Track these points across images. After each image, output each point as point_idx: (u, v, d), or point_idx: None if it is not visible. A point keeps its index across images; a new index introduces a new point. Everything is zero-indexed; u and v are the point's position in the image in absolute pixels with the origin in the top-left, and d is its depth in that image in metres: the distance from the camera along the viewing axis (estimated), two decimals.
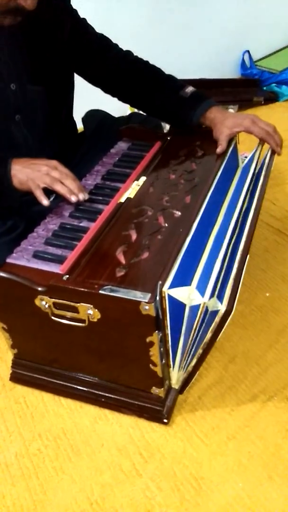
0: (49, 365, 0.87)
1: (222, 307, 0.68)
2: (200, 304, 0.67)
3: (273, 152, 1.00)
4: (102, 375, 0.84)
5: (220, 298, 0.69)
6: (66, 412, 0.85)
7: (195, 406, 0.84)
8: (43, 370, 0.88)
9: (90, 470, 0.76)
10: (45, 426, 0.83)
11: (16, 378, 0.91)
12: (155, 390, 0.79)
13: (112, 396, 0.84)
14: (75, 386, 0.86)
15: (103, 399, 0.85)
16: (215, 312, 0.69)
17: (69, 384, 0.87)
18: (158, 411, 0.81)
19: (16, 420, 0.84)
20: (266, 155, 1.00)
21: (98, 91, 1.13)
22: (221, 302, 0.68)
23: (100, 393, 0.85)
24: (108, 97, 1.14)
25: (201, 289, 0.69)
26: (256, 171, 0.98)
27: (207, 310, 0.69)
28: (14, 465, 0.78)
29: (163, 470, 0.75)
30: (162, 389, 0.78)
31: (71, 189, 0.85)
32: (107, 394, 0.84)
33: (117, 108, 1.35)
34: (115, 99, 1.14)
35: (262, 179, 0.93)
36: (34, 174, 0.85)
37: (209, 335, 0.71)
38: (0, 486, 0.75)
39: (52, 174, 0.85)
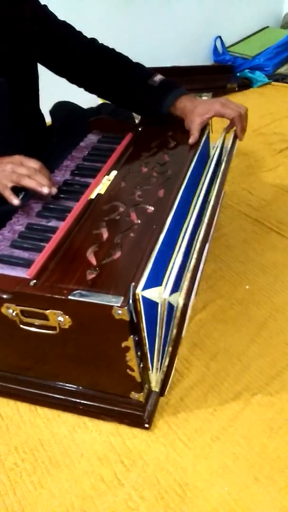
0: (23, 374, 0.83)
1: (180, 300, 0.64)
2: (160, 302, 0.64)
3: (236, 137, 0.97)
4: (79, 382, 0.80)
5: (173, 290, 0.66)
6: (43, 422, 0.81)
7: (177, 408, 0.81)
8: (17, 380, 0.84)
9: (70, 482, 0.73)
10: (21, 438, 0.79)
11: None
12: (134, 395, 0.76)
13: (91, 403, 0.80)
14: (52, 395, 0.82)
15: (81, 407, 0.81)
16: (171, 307, 0.66)
17: (45, 393, 0.83)
18: (138, 416, 0.78)
19: None
20: (229, 141, 0.96)
21: (65, 81, 1.07)
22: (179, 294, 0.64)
23: (78, 400, 0.81)
24: (76, 88, 1.09)
25: (166, 285, 0.66)
26: (221, 159, 0.95)
27: (171, 306, 0.66)
28: None
29: (146, 478, 0.72)
30: (142, 393, 0.75)
31: (40, 181, 0.79)
32: (85, 402, 0.81)
33: (88, 100, 1.30)
34: (83, 90, 1.09)
35: (223, 166, 0.89)
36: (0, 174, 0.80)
37: (174, 330, 0.68)
38: None
39: (18, 171, 0.80)
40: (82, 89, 1.09)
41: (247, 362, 0.87)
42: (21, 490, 0.72)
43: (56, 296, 0.64)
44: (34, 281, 0.67)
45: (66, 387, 0.81)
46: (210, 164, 0.92)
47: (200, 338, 0.92)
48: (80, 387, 0.80)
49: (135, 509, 0.68)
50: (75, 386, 0.81)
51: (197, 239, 0.72)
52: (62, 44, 1.02)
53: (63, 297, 0.63)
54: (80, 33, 1.04)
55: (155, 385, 0.79)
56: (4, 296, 0.66)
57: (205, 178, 0.88)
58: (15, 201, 0.79)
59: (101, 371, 0.75)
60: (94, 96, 1.14)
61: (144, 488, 0.71)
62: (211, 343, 0.91)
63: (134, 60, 1.05)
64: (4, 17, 0.89)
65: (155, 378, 0.77)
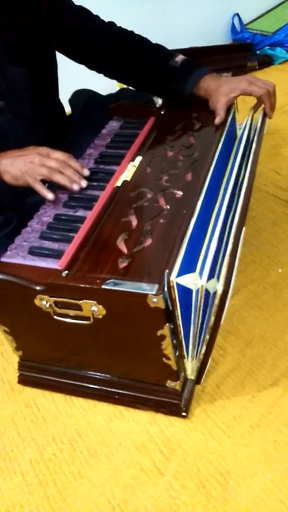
0: (57, 365, 0.83)
1: (219, 287, 0.62)
2: (198, 288, 0.62)
3: (265, 115, 0.93)
4: (114, 372, 0.79)
5: (215, 277, 0.64)
6: (79, 412, 0.81)
7: (213, 396, 0.79)
8: (52, 371, 0.84)
9: (109, 472, 0.72)
10: (58, 429, 0.79)
11: (24, 380, 0.87)
12: (170, 384, 0.75)
13: (126, 392, 0.80)
14: (87, 385, 0.82)
15: (116, 396, 0.80)
16: (208, 294, 0.64)
17: (80, 383, 0.83)
18: (175, 405, 0.77)
19: (28, 425, 0.80)
20: (258, 119, 0.93)
21: (83, 69, 1.05)
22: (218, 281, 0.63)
23: (113, 390, 0.81)
24: (94, 75, 1.07)
25: (201, 271, 0.64)
26: (250, 138, 0.92)
27: (208, 293, 0.64)
28: (30, 472, 0.74)
29: (186, 467, 0.71)
30: (178, 382, 0.74)
31: (71, 177, 0.79)
32: (120, 391, 0.80)
33: (106, 87, 1.28)
34: (102, 77, 1.07)
35: (255, 145, 0.86)
36: (27, 167, 0.79)
37: (212, 318, 0.66)
38: (17, 496, 0.72)
39: (48, 164, 0.79)
40: (99, 77, 1.07)
41: (284, 348, 0.85)
42: (61, 481, 0.73)
43: (89, 286, 0.63)
44: (66, 271, 0.67)
45: (101, 377, 0.81)
46: (239, 145, 0.89)
47: (234, 324, 0.90)
48: (115, 377, 0.80)
49: (177, 498, 0.68)
50: (110, 376, 0.80)
51: (232, 223, 0.70)
52: (80, 30, 0.99)
53: (96, 287, 0.62)
54: (97, 17, 1.02)
55: (190, 373, 0.77)
56: (38, 288, 0.66)
57: (234, 159, 0.85)
58: (49, 195, 0.78)
59: (136, 360, 0.74)
60: (112, 83, 1.12)
61: (185, 477, 0.70)
62: (245, 330, 0.89)
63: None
64: (20, 8, 0.87)
65: (190, 366, 0.76)
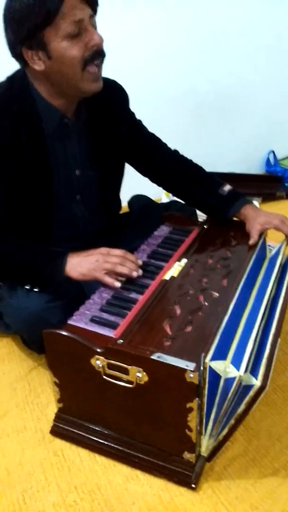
0: (87, 422, 0.95)
1: (257, 382, 0.77)
2: (235, 377, 0.77)
3: None
4: (138, 436, 0.91)
5: (254, 374, 0.79)
6: (100, 468, 0.91)
7: (220, 475, 0.90)
8: (82, 426, 0.96)
9: None
10: (81, 480, 0.89)
11: (55, 431, 0.98)
12: (186, 455, 0.86)
13: (145, 457, 0.90)
14: (110, 444, 0.93)
15: (136, 460, 0.91)
16: (249, 387, 0.79)
17: (104, 442, 0.94)
18: (187, 476, 0.87)
19: (54, 472, 0.91)
20: None
21: (136, 176, 1.29)
22: (256, 378, 0.78)
23: (133, 453, 0.92)
24: (145, 182, 1.30)
25: (236, 363, 0.80)
26: (282, 263, 1.12)
27: (240, 383, 0.79)
28: None
29: None
30: (194, 454, 0.86)
31: (130, 267, 0.99)
32: (140, 455, 0.91)
33: (155, 192, 1.54)
34: (150, 183, 1.30)
35: None
36: (93, 265, 0.99)
37: (242, 406, 0.80)
38: None
39: (110, 260, 0.99)
40: (150, 184, 1.30)
41: (286, 444, 0.96)
42: None
43: (140, 355, 0.79)
44: (121, 340, 0.83)
45: (125, 439, 0.92)
46: (272, 265, 1.09)
47: None
48: (138, 441, 0.91)
49: None
50: (133, 439, 0.92)
51: (265, 328, 0.87)
52: (151, 153, 1.26)
53: (146, 356, 0.78)
54: (165, 144, 1.29)
55: (204, 450, 0.89)
56: (98, 350, 0.82)
57: (268, 277, 1.04)
58: (117, 283, 0.98)
59: (162, 428, 0.86)
60: (159, 190, 1.37)
61: None
62: (254, 422, 1.01)
63: (202, 164, 1.27)
64: (104, 126, 1.12)
65: (205, 444, 0.88)
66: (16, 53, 0.95)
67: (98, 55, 0.95)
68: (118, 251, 1.02)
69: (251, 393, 0.78)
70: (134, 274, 1.00)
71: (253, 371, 0.80)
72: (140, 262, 1.05)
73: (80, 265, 0.99)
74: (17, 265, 1.05)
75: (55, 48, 0.91)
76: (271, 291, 1.00)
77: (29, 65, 0.95)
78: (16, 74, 1.02)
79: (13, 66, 1.00)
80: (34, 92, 0.99)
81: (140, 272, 1.01)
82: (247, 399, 0.79)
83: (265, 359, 0.80)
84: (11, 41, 0.94)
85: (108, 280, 0.98)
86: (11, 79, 1.02)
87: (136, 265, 1.02)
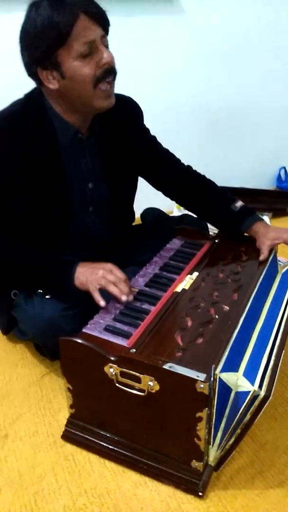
0: (98, 428, 0.98)
1: (261, 393, 0.80)
2: (249, 391, 0.80)
3: None
4: (147, 443, 0.93)
5: (260, 385, 0.82)
6: (110, 474, 0.94)
7: (227, 484, 0.92)
8: (92, 432, 0.99)
9: None
10: (91, 484, 0.92)
11: (67, 436, 1.01)
12: (195, 463, 0.89)
13: (154, 464, 0.93)
14: (120, 451, 0.96)
15: (145, 467, 0.93)
16: (253, 397, 0.81)
17: (114, 448, 0.96)
18: (195, 484, 0.89)
19: (65, 475, 0.93)
20: None
21: (148, 188, 1.33)
22: (260, 388, 0.81)
23: (142, 460, 0.94)
24: (158, 194, 1.35)
25: (250, 377, 0.83)
26: None
27: (254, 397, 0.81)
28: None
29: None
30: (202, 463, 0.88)
31: (122, 290, 0.99)
32: (149, 462, 0.93)
33: (167, 205, 1.59)
34: (162, 196, 1.35)
35: None
36: (92, 277, 1.01)
37: (248, 416, 0.83)
38: None
39: (107, 277, 1.00)
40: (162, 196, 1.34)
41: None
42: None
43: (153, 364, 0.82)
44: (134, 350, 0.86)
45: (135, 446, 0.95)
46: (284, 280, 1.12)
47: (251, 428, 1.04)
48: (147, 448, 0.94)
49: None
50: (142, 446, 0.94)
51: (273, 343, 0.90)
52: (165, 168, 1.30)
53: (158, 366, 0.81)
54: (179, 160, 1.33)
55: (212, 460, 0.91)
56: (112, 358, 0.85)
57: (277, 290, 1.07)
58: (102, 302, 0.99)
59: (171, 437, 0.89)
60: (171, 203, 1.41)
61: None
62: (260, 434, 1.03)
63: (214, 178, 1.31)
64: (118, 141, 1.16)
65: (213, 454, 0.90)
66: (32, 73, 1.00)
67: (109, 73, 0.99)
68: (119, 273, 1.02)
69: (256, 403, 0.80)
70: (124, 298, 0.99)
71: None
72: (136, 290, 1.05)
73: (83, 274, 1.02)
74: (29, 271, 1.08)
75: (68, 68, 0.95)
76: (286, 306, 1.03)
77: (44, 84, 1.00)
78: (33, 91, 1.06)
79: (30, 84, 1.05)
80: (49, 109, 1.04)
81: (131, 298, 1.01)
82: (252, 408, 0.81)
83: (269, 370, 0.83)
84: (26, 62, 0.99)
85: (96, 296, 0.99)
86: (28, 96, 1.07)
87: (128, 290, 1.01)
